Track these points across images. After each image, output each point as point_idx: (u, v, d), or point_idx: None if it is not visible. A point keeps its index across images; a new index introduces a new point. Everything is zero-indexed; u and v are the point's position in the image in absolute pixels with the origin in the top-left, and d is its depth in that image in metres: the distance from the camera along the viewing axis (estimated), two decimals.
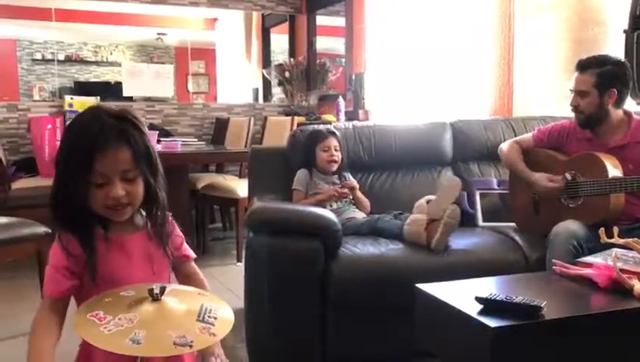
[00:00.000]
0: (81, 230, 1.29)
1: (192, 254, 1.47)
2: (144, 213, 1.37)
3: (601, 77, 2.44)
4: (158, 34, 8.21)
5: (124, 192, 1.26)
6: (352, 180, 2.81)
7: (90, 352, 1.28)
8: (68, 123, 1.37)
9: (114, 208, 1.27)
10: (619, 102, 2.48)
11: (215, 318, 1.12)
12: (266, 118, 5.18)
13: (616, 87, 2.43)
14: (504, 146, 2.79)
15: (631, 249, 1.82)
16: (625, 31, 3.09)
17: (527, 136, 2.78)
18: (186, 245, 1.47)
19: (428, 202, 2.50)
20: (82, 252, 1.27)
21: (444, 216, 2.37)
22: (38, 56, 8.12)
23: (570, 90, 2.53)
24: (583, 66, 2.49)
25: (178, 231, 1.45)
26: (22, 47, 8.08)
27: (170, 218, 1.42)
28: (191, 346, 1.04)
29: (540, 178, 2.56)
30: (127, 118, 1.29)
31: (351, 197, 2.78)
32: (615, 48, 3.10)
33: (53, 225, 1.32)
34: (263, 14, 6.59)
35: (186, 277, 1.45)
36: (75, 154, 1.25)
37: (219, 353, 1.35)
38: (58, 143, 4.65)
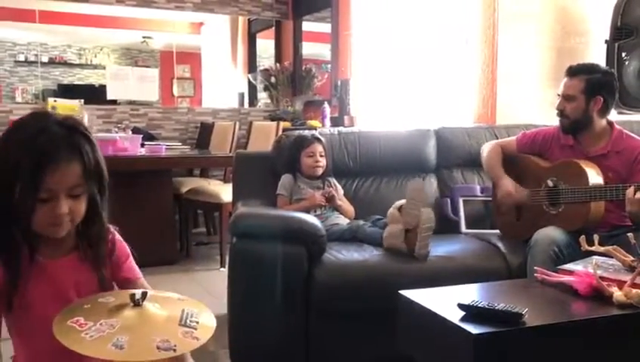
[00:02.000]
0: (8, 249, 1.19)
1: (137, 274, 1.36)
2: (75, 234, 1.27)
3: (590, 83, 2.48)
4: (144, 37, 8.17)
5: (67, 210, 1.17)
6: (329, 189, 2.78)
7: None
8: (7, 129, 1.22)
9: (55, 225, 1.18)
10: (604, 111, 2.51)
11: (197, 322, 1.12)
12: (251, 123, 5.17)
13: (602, 96, 2.47)
14: (486, 147, 2.81)
15: (611, 256, 1.85)
16: (606, 41, 3.14)
17: (511, 139, 2.80)
18: (131, 264, 1.36)
19: (400, 209, 2.49)
20: (2, 274, 1.19)
21: (419, 223, 2.36)
22: (21, 57, 8.02)
23: (558, 95, 2.57)
24: (574, 72, 2.53)
25: (123, 248, 1.36)
26: (4, 49, 7.99)
27: (114, 233, 1.35)
28: (175, 350, 1.04)
29: (505, 185, 2.59)
30: (78, 129, 1.21)
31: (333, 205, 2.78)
32: (596, 58, 3.15)
33: None
34: (249, 19, 6.59)
35: None
36: (21, 167, 1.14)
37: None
38: None
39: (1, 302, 1.21)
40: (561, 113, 2.55)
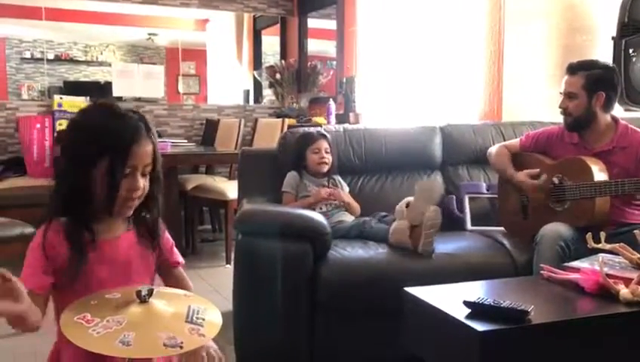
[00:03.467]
0: (75, 228, 1.27)
1: (182, 260, 1.49)
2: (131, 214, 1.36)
3: (590, 79, 2.46)
4: (149, 34, 8.18)
5: (143, 186, 1.29)
6: (343, 194, 2.77)
7: (59, 353, 1.29)
8: (79, 117, 1.34)
9: (129, 200, 1.29)
10: (607, 107, 2.50)
11: (203, 319, 1.13)
12: (256, 120, 5.18)
13: (604, 91, 2.46)
14: (493, 150, 2.81)
15: (617, 254, 1.84)
16: (613, 38, 3.13)
17: (515, 141, 2.80)
18: (176, 250, 1.48)
19: (407, 205, 2.50)
20: (64, 251, 1.25)
21: (423, 220, 2.36)
22: (27, 54, 8.05)
23: (560, 93, 2.56)
24: (573, 69, 2.52)
25: (168, 235, 1.46)
26: (11, 46, 8.01)
27: (160, 221, 1.43)
28: (181, 347, 1.04)
29: (522, 176, 2.58)
30: (144, 116, 1.34)
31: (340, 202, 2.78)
32: (603, 55, 3.13)
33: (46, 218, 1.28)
34: (254, 16, 6.59)
35: (175, 283, 1.45)
36: (114, 142, 1.25)
37: (209, 345, 1.32)
38: (47, 143, 4.60)
39: (61, 280, 1.25)
40: (564, 111, 2.54)
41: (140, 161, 1.28)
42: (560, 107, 2.55)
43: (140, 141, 1.28)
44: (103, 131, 1.27)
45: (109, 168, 1.24)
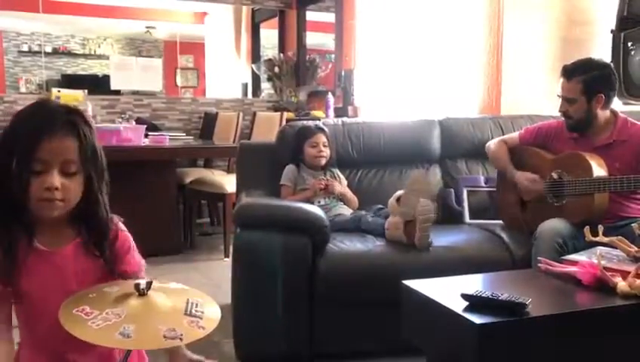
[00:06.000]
0: (6, 237, 1.20)
1: (135, 268, 1.32)
2: (76, 223, 1.27)
3: (588, 83, 2.44)
4: (147, 27, 8.15)
5: (59, 184, 1.17)
6: (334, 183, 2.79)
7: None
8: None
9: (46, 200, 1.17)
10: (606, 105, 2.49)
11: (202, 312, 1.13)
12: (254, 114, 5.17)
13: (603, 92, 2.45)
14: (491, 144, 2.81)
15: (615, 247, 1.85)
16: (612, 31, 3.12)
17: (514, 135, 2.80)
18: (130, 258, 1.33)
19: (399, 199, 2.49)
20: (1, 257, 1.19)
21: (416, 215, 2.36)
22: (25, 47, 8.02)
23: (558, 96, 2.55)
24: (569, 73, 2.49)
25: (125, 239, 1.33)
26: (8, 39, 7.98)
27: (117, 224, 1.33)
28: (181, 339, 1.04)
29: (521, 177, 2.59)
30: (78, 112, 1.24)
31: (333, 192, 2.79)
32: (602, 48, 3.13)
33: None
34: (252, 9, 6.57)
35: None
36: (19, 137, 1.17)
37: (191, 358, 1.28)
38: None
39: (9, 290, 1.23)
40: (565, 114, 2.54)
41: (53, 157, 1.16)
42: (560, 111, 2.54)
43: (54, 133, 1.16)
44: (9, 129, 1.20)
45: (17, 166, 1.15)
